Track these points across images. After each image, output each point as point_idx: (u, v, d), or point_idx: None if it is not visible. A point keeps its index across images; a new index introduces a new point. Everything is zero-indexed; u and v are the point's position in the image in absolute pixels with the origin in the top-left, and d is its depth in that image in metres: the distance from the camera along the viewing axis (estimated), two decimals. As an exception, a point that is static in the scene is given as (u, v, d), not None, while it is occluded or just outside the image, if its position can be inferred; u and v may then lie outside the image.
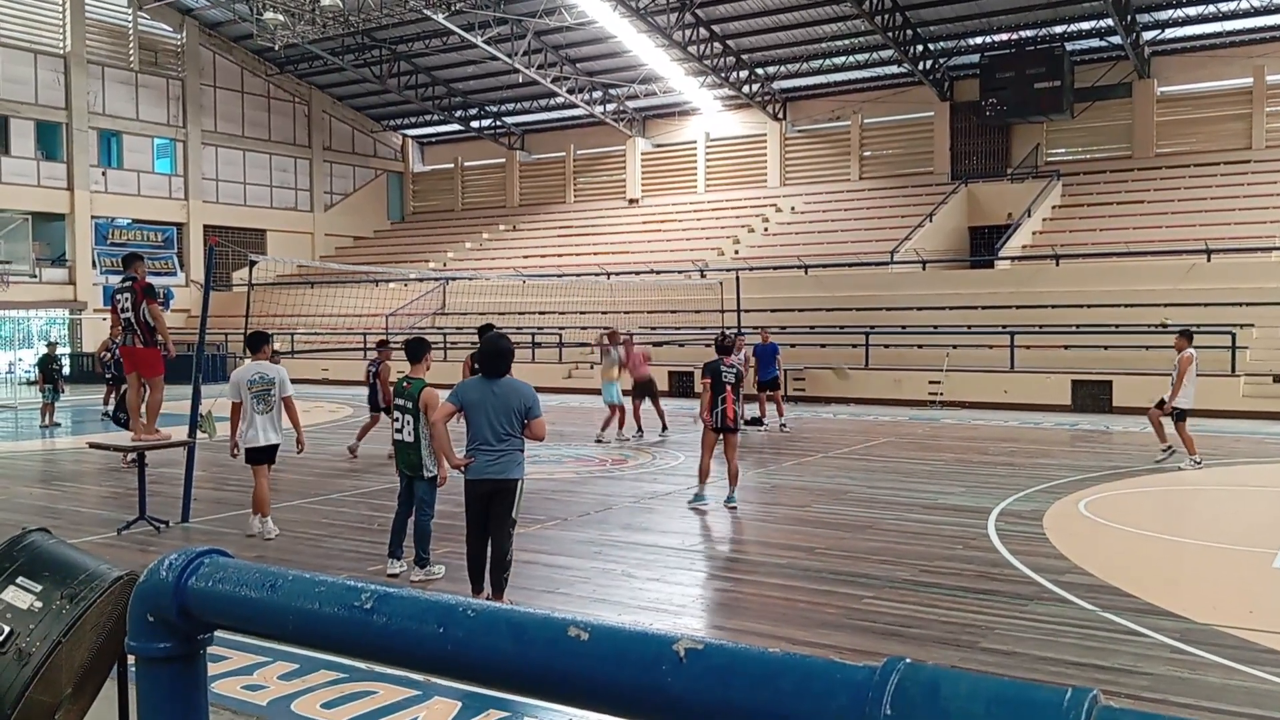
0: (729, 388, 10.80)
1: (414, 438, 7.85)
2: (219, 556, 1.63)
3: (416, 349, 8.23)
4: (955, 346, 24.03)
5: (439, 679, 5.30)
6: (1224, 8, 29.41)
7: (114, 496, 11.75)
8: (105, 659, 3.00)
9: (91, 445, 12.30)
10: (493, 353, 6.85)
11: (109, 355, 17.92)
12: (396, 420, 7.97)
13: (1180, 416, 13.30)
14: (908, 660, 0.95)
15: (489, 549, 6.94)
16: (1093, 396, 21.41)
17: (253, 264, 11.93)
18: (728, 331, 11.63)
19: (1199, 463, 13.12)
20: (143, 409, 10.32)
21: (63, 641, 2.97)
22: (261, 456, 9.44)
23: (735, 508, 10.71)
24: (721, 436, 10.93)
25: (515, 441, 6.80)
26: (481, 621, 1.29)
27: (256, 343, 9.71)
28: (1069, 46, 31.79)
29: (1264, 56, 30.66)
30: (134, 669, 1.84)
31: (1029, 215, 30.46)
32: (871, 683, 0.95)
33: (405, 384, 8.06)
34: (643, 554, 8.79)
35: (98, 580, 3.13)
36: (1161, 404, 13.70)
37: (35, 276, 35.04)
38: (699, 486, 11.12)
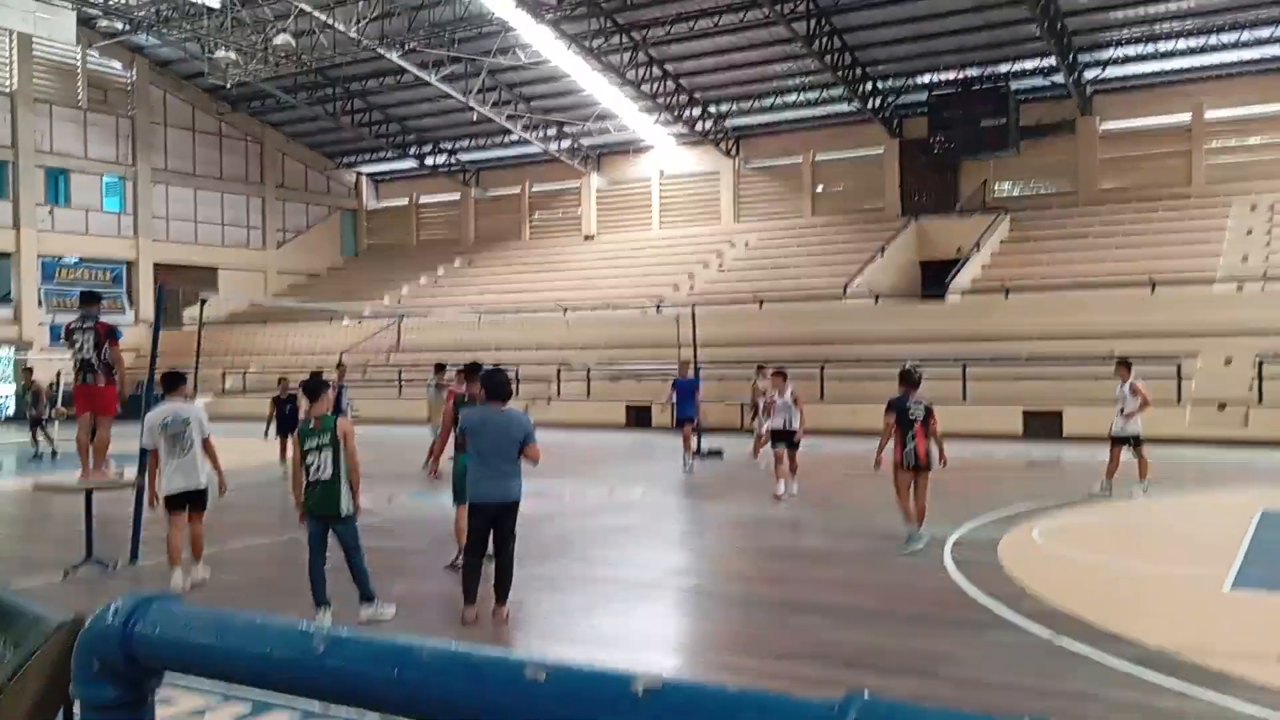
0: (918, 424, 10.21)
1: (332, 474, 7.54)
2: (167, 601, 1.59)
3: (317, 388, 8.01)
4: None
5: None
6: (1162, 47, 30.26)
7: (60, 538, 11.47)
8: (50, 706, 2.92)
9: (38, 487, 12.04)
10: (502, 380, 7.76)
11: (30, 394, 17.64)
12: (310, 460, 7.58)
13: (1136, 442, 13.61)
14: (867, 694, 0.95)
15: (494, 563, 7.60)
16: (1044, 426, 21.70)
17: (203, 302, 11.82)
18: (913, 366, 10.97)
19: (1145, 489, 13.43)
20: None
21: (5, 689, 2.89)
22: (179, 503, 8.84)
23: (920, 549, 9.89)
24: (914, 476, 10.23)
25: (515, 466, 7.52)
26: (438, 663, 1.27)
27: (172, 382, 9.11)
28: (1014, 85, 32.52)
29: (1201, 95, 31.55)
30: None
31: (978, 249, 30.97)
32: (830, 717, 0.95)
33: (314, 423, 7.75)
34: (601, 588, 8.73)
35: (41, 625, 3.05)
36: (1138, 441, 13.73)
37: (-21, 316, 34.40)
38: (913, 527, 10.14)
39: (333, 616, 7.82)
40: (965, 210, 34.00)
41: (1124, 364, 13.98)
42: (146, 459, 9.89)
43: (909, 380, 10.44)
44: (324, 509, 7.58)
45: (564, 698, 1.17)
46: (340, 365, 17.88)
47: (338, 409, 15.03)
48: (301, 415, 16.60)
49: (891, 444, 10.35)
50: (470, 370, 9.63)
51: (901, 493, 10.24)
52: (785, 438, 13.87)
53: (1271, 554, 9.68)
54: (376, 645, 1.37)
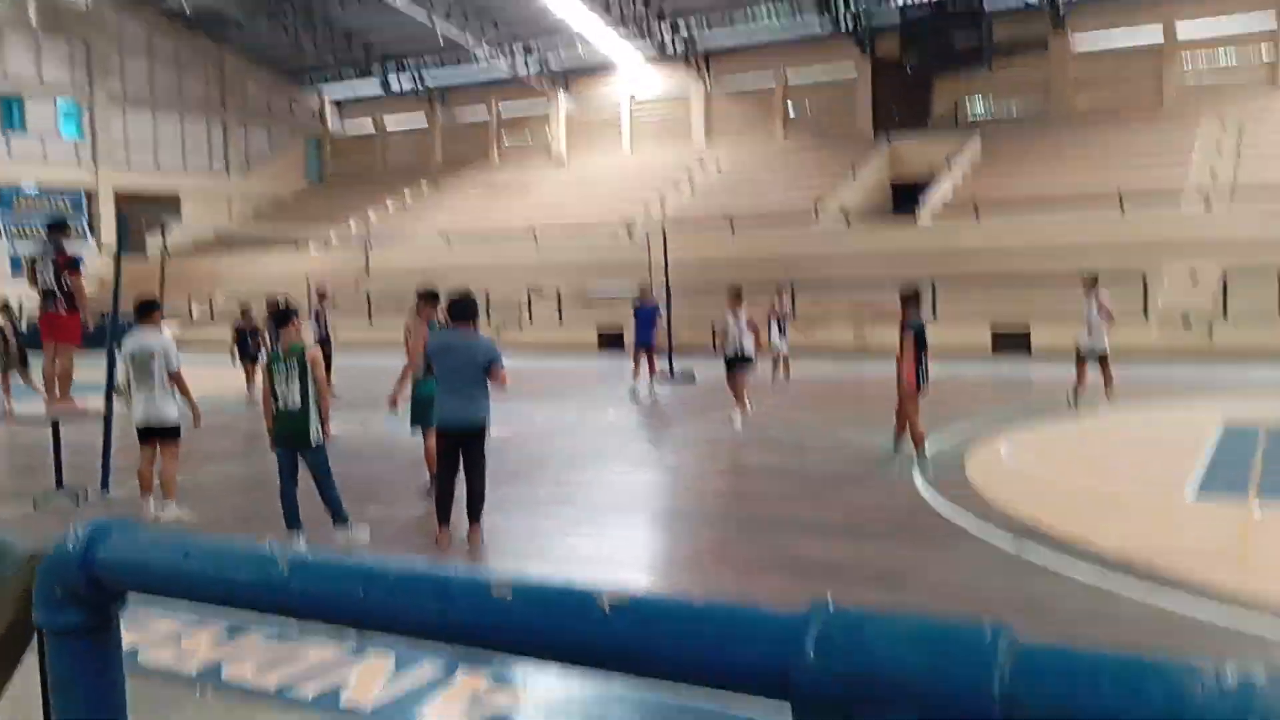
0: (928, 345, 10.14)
1: (301, 403, 7.52)
2: (128, 527, 1.57)
3: (285, 316, 7.95)
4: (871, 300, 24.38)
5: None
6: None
7: (29, 469, 11.41)
8: (21, 637, 2.91)
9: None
10: (467, 303, 7.64)
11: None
12: (278, 388, 7.55)
13: (1105, 358, 13.83)
14: (831, 603, 0.95)
15: (465, 486, 7.57)
16: (1012, 343, 21.92)
17: (164, 228, 11.62)
18: (913, 285, 10.78)
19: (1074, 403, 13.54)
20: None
21: (-26, 620, 2.87)
22: (146, 435, 8.74)
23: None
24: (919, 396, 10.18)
25: (482, 388, 7.50)
26: (403, 583, 1.26)
27: (143, 310, 8.83)
28: (987, 4, 32.13)
29: (1173, 10, 31.33)
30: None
31: (949, 168, 30.88)
32: (795, 626, 0.95)
33: (282, 351, 7.72)
34: (575, 510, 8.81)
35: (9, 556, 3.04)
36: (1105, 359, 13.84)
37: (-65, 246, 33.74)
38: (918, 450, 10.14)
39: (307, 541, 7.85)
40: (937, 128, 33.83)
41: (1090, 280, 14.01)
42: (114, 384, 9.82)
43: (916, 299, 10.26)
44: (294, 439, 7.57)
45: (531, 615, 1.16)
46: (321, 291, 17.64)
47: (325, 337, 14.91)
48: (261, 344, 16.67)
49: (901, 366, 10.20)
50: (427, 296, 9.55)
51: (917, 415, 10.16)
52: (740, 363, 13.29)
53: (1232, 464, 9.88)
54: (341, 567, 1.35)
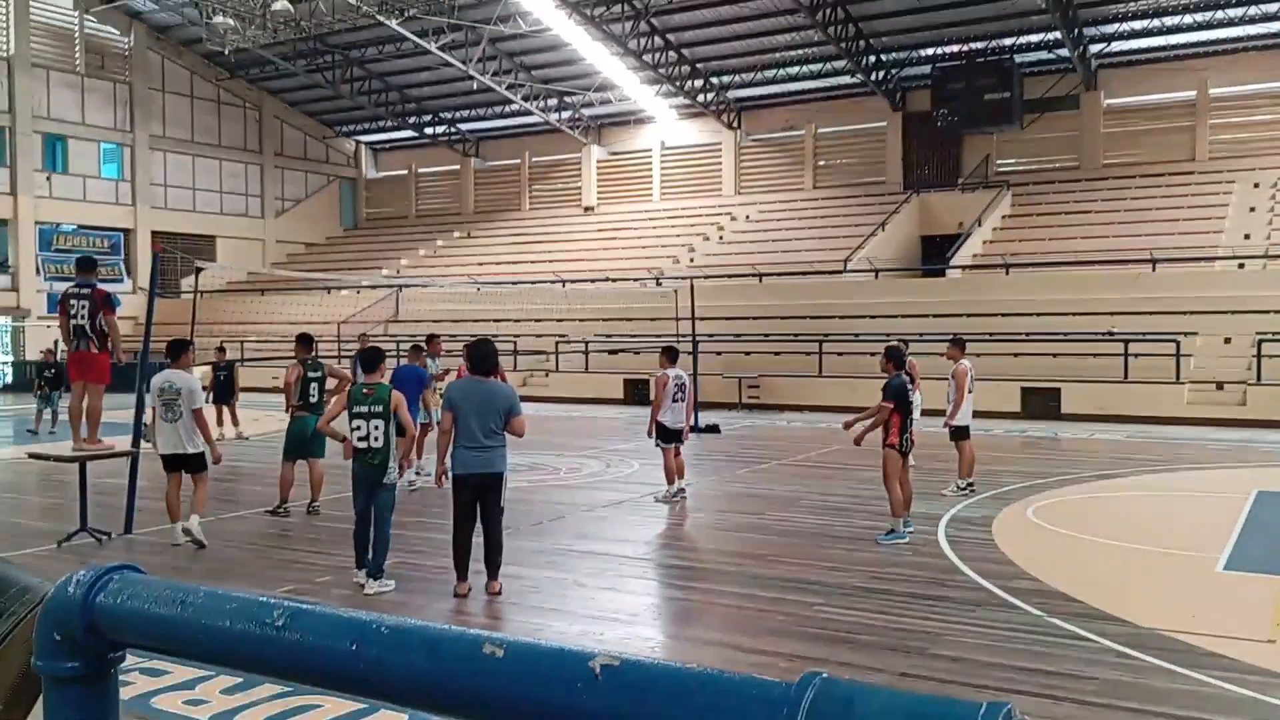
0: (915, 408, 9.66)
1: (383, 442, 7.81)
2: (129, 572, 1.56)
3: (374, 358, 8.37)
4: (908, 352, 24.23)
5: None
6: (1168, 22, 30.01)
7: (55, 508, 11.48)
8: (36, 676, 2.90)
9: (32, 456, 12.01)
10: (484, 351, 7.78)
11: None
12: (359, 428, 7.84)
13: (959, 434, 12.03)
14: (824, 675, 0.92)
15: (483, 537, 7.55)
16: (1042, 403, 21.69)
17: (199, 271, 11.79)
18: (899, 343, 10.40)
19: (965, 487, 11.84)
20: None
21: (-9, 658, 2.86)
22: (174, 465, 9.46)
23: (905, 541, 9.32)
24: (904, 461, 9.64)
25: (499, 438, 7.50)
26: (395, 639, 1.24)
27: (175, 350, 9.72)
28: (1018, 59, 32.28)
29: (1207, 70, 31.32)
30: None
31: (979, 224, 30.85)
32: (787, 698, 0.92)
33: (366, 390, 7.98)
34: (595, 563, 8.74)
35: (28, 595, 3.03)
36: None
37: (-25, 283, 34.32)
38: (898, 521, 9.50)
39: (328, 587, 7.88)
40: (968, 185, 33.84)
41: (955, 343, 12.66)
42: (141, 427, 10.02)
43: (901, 360, 9.80)
44: (371, 476, 7.82)
45: (522, 675, 1.14)
46: (429, 338, 16.96)
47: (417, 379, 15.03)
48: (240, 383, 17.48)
49: (881, 428, 9.68)
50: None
51: (898, 480, 9.54)
52: (674, 436, 11.75)
53: (1265, 535, 9.69)
54: (335, 619, 1.34)
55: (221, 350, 19.17)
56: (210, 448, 9.66)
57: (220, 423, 17.30)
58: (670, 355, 12.00)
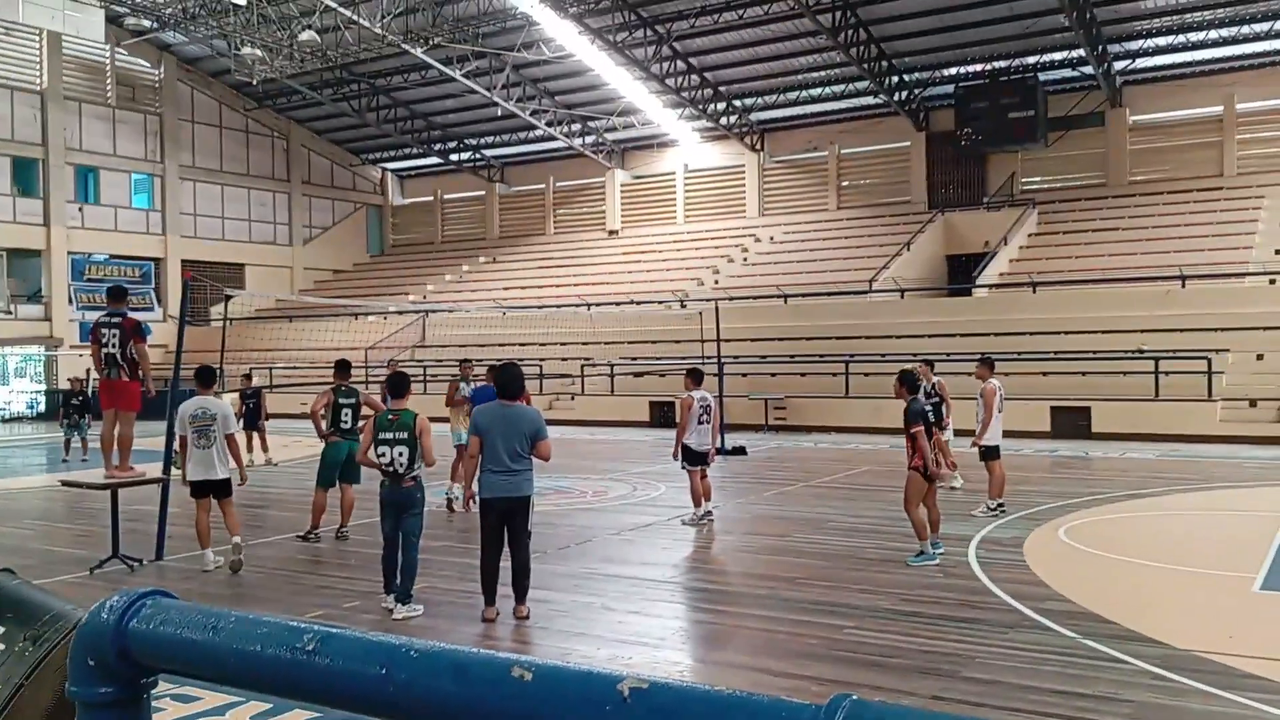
0: (936, 430, 9.58)
1: (407, 467, 7.87)
2: (161, 598, 1.57)
3: (400, 383, 8.47)
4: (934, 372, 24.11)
5: None
6: (1193, 38, 29.86)
7: (87, 535, 11.58)
8: (70, 701, 2.92)
9: (64, 483, 12.14)
10: (511, 375, 7.76)
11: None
12: (384, 454, 7.89)
13: (989, 454, 11.97)
14: (854, 697, 0.91)
15: (510, 561, 7.56)
16: (1072, 422, 21.48)
17: (228, 298, 11.91)
18: (913, 367, 10.33)
19: (995, 508, 11.71)
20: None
21: (25, 685, 2.89)
22: (202, 490, 9.51)
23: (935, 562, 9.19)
24: (928, 484, 9.49)
25: (526, 462, 7.51)
26: (424, 663, 1.25)
27: (204, 378, 9.89)
28: (1042, 76, 32.20)
29: (1233, 85, 31.12)
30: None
31: (1005, 243, 30.70)
32: (817, 721, 0.92)
33: (392, 416, 8.03)
34: (623, 586, 8.71)
35: (62, 622, 3.06)
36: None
37: (10, 313, 34.82)
38: (925, 543, 9.29)
39: (357, 611, 7.90)
40: (993, 203, 33.71)
41: (984, 362, 12.73)
42: (173, 451, 10.11)
43: (914, 384, 9.69)
44: (398, 499, 7.90)
45: (550, 698, 1.14)
46: (462, 363, 17.14)
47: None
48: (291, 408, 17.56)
49: (906, 450, 9.54)
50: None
51: (922, 503, 9.39)
52: (700, 458, 11.71)
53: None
54: (365, 643, 1.34)
55: (249, 377, 19.35)
56: (240, 471, 9.76)
57: (249, 449, 17.43)
58: (695, 377, 11.99)
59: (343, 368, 11.54)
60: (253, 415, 18.09)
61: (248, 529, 11.19)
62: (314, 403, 11.39)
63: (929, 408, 9.92)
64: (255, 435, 17.99)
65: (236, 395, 18.54)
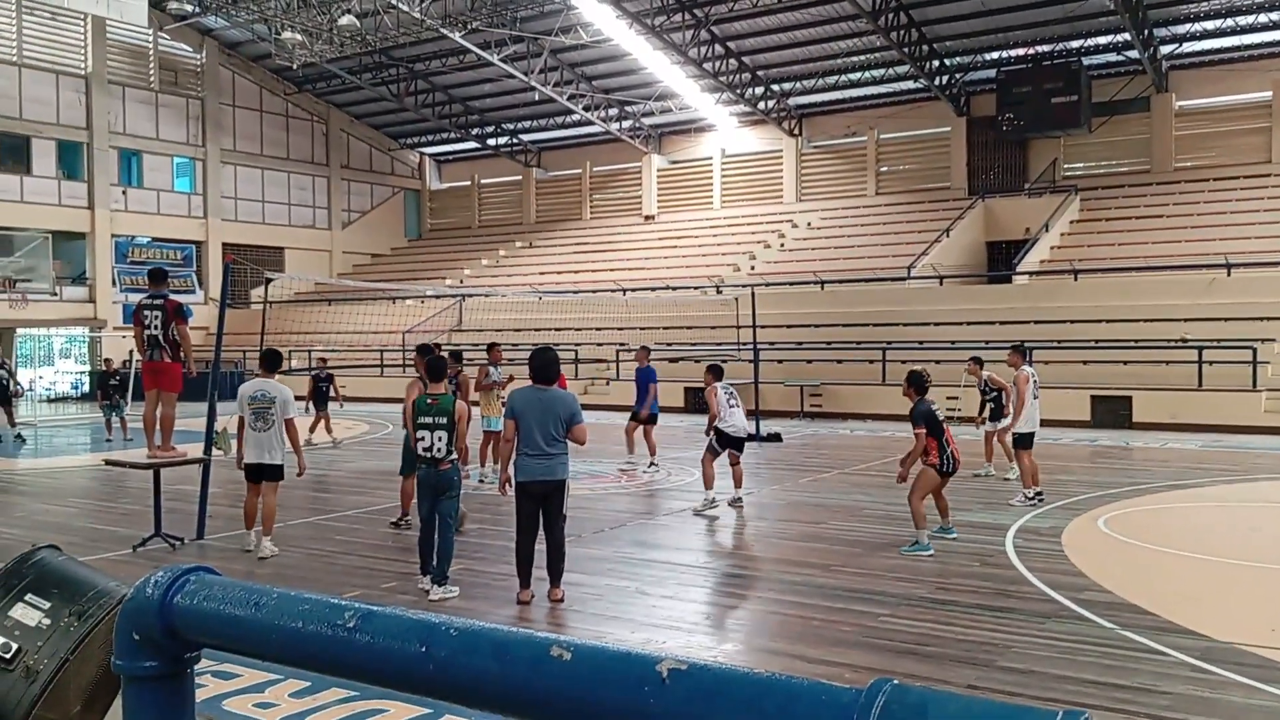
0: (948, 427, 9.64)
1: (445, 452, 7.92)
2: (205, 574, 1.60)
3: (440, 367, 8.44)
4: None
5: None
6: (1241, 21, 29.27)
7: (130, 514, 11.77)
8: (114, 676, 2.98)
9: (108, 463, 12.34)
10: (546, 360, 7.69)
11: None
12: (423, 438, 7.94)
13: (1022, 443, 11.92)
14: (894, 681, 0.91)
15: (545, 544, 7.60)
16: (1112, 412, 21.21)
17: (268, 281, 12.00)
18: (919, 369, 10.36)
19: (1032, 497, 11.63)
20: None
21: (70, 659, 2.94)
22: (256, 474, 9.42)
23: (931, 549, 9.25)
24: (944, 479, 9.58)
25: (561, 445, 7.54)
26: (464, 641, 1.26)
27: (273, 361, 9.87)
28: (1086, 61, 31.69)
29: (1282, 67, 30.49)
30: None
31: (1047, 230, 30.31)
32: (857, 705, 0.91)
33: (430, 400, 8.08)
34: (656, 571, 8.73)
35: (105, 598, 3.11)
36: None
37: (56, 295, 35.32)
38: (923, 533, 9.33)
39: (394, 592, 7.98)
40: (1034, 190, 33.27)
41: (1017, 350, 12.84)
42: (213, 435, 10.22)
43: (922, 385, 9.69)
44: (435, 482, 7.93)
45: (589, 678, 1.15)
46: (489, 347, 17.23)
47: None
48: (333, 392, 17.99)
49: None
50: (420, 351, 9.61)
51: (930, 496, 9.50)
52: (736, 443, 11.98)
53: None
54: (405, 621, 1.36)
55: (324, 360, 19.59)
56: (298, 457, 9.68)
57: (313, 430, 17.67)
58: (715, 372, 12.40)
59: (423, 353, 10.90)
60: (322, 396, 18.30)
61: (301, 510, 11.30)
62: (408, 390, 10.95)
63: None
64: (322, 417, 18.26)
65: (310, 379, 18.80)
